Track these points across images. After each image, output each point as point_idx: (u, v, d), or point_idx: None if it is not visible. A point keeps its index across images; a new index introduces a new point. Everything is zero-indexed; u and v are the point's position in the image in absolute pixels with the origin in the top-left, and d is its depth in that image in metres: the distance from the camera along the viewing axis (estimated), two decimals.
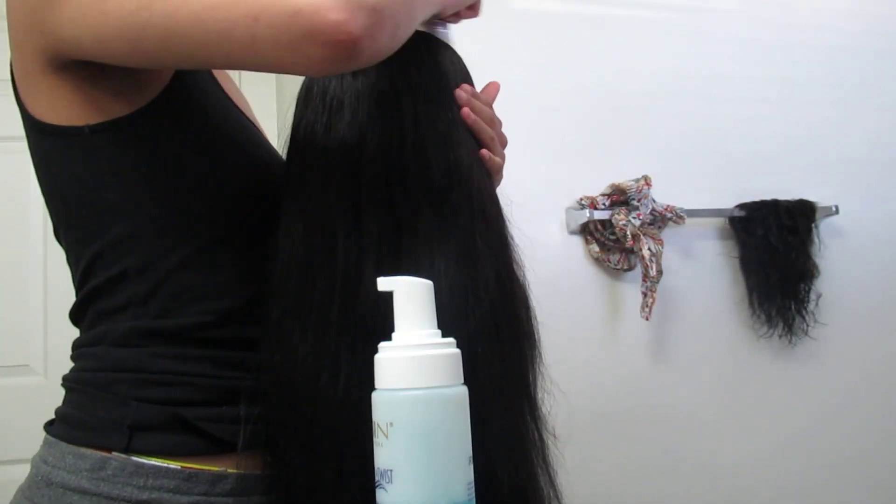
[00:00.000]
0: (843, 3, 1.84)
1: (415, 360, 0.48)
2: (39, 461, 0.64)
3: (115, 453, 0.61)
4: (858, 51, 1.81)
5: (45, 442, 0.65)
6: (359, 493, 0.55)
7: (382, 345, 0.49)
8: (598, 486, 1.51)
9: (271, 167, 0.70)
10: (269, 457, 0.64)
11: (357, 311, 0.59)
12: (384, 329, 0.50)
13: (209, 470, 0.63)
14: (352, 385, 0.58)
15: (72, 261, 0.69)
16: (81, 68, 0.61)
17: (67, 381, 0.67)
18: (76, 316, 0.70)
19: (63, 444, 0.63)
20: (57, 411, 0.67)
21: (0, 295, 1.77)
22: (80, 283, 0.68)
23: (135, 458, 0.61)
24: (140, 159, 0.63)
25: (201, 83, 0.68)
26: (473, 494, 0.48)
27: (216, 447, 0.64)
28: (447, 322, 0.51)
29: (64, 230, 0.68)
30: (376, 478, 0.47)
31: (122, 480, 0.60)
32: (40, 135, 0.65)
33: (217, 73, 0.73)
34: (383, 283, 0.50)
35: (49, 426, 0.66)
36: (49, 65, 0.61)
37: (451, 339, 0.50)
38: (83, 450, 0.62)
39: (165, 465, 0.62)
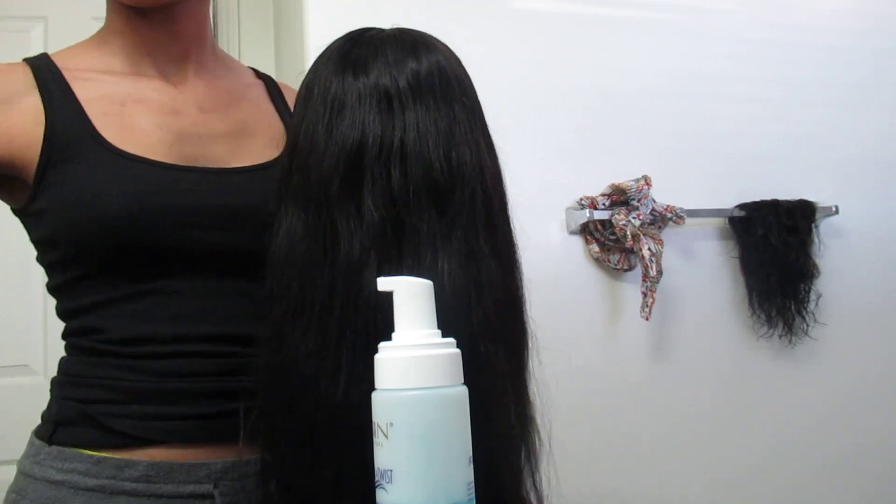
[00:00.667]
0: (843, 3, 1.84)
1: (415, 360, 0.48)
2: None
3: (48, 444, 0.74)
4: (858, 51, 1.81)
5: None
6: (358, 494, 0.55)
7: (382, 345, 0.50)
8: (598, 486, 1.51)
9: (145, 211, 0.75)
10: (267, 457, 0.64)
11: (358, 311, 0.59)
12: (385, 329, 0.50)
13: (118, 457, 0.72)
14: (352, 386, 0.57)
15: None
16: None
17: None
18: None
19: (31, 436, 0.77)
20: None
21: (0, 295, 1.77)
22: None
23: (61, 447, 0.73)
24: (46, 234, 0.76)
25: (72, 139, 0.75)
26: (473, 494, 0.48)
27: (123, 440, 0.73)
28: (450, 322, 0.51)
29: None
30: (376, 478, 0.47)
31: (47, 463, 0.73)
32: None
33: (110, 111, 0.78)
34: (383, 283, 0.50)
35: None
36: None
37: (451, 339, 0.50)
38: (34, 440, 0.76)
39: (80, 451, 0.72)
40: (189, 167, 0.77)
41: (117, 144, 0.74)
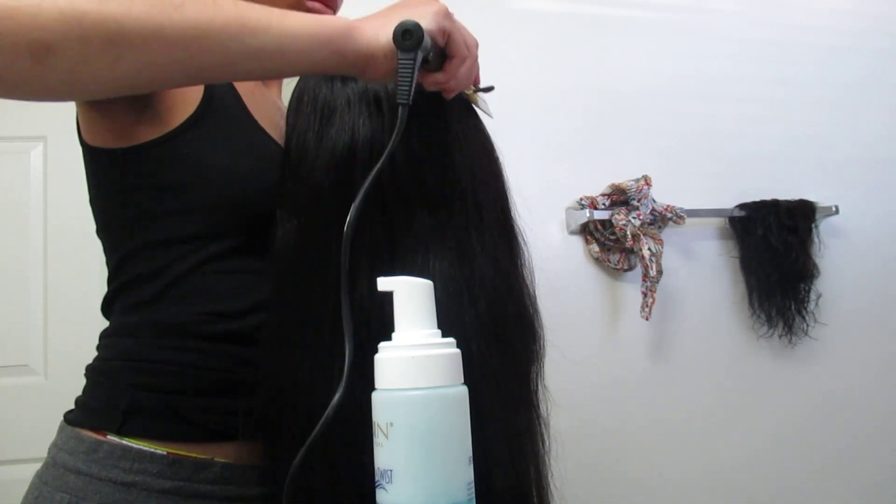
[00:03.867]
0: (843, 3, 1.84)
1: (415, 360, 0.48)
2: (52, 444, 0.69)
3: (109, 437, 0.66)
4: (858, 51, 1.81)
5: (59, 427, 0.70)
6: (355, 495, 0.55)
7: (382, 345, 0.49)
8: (598, 486, 1.51)
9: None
10: (266, 458, 0.64)
11: (352, 313, 0.59)
12: (379, 334, 0.50)
13: (193, 457, 0.66)
14: (346, 393, 0.58)
15: (106, 260, 0.75)
16: (107, 102, 0.67)
17: (86, 370, 0.72)
18: (105, 310, 0.75)
19: (69, 429, 0.68)
20: (76, 399, 0.72)
21: (0, 295, 1.77)
22: (109, 281, 0.73)
23: (125, 442, 0.66)
24: (158, 180, 0.69)
25: (225, 106, 0.71)
26: (473, 494, 0.48)
27: (204, 435, 0.67)
28: (443, 321, 0.51)
29: (101, 234, 0.75)
30: (376, 478, 0.47)
31: (110, 463, 0.65)
32: (86, 152, 0.72)
33: (244, 85, 0.76)
34: (383, 283, 0.50)
35: (67, 413, 0.71)
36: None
37: (451, 339, 0.50)
38: (83, 433, 0.67)
39: (151, 449, 0.66)
40: None
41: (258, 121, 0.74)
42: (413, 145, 0.63)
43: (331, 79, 0.65)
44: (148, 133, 0.68)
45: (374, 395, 0.48)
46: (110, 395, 0.69)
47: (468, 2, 1.62)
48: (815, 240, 1.67)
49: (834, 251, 1.70)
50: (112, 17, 0.49)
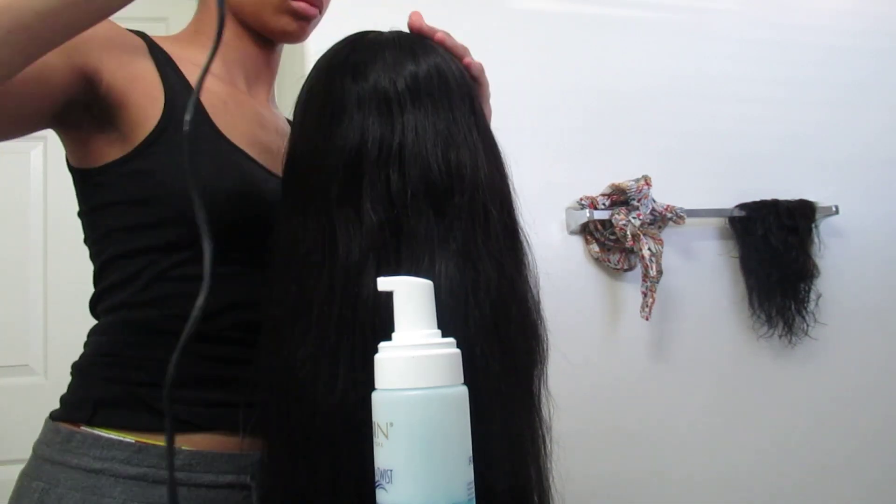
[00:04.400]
0: (843, 3, 1.84)
1: (415, 360, 0.48)
2: (36, 441, 0.74)
3: (82, 427, 0.71)
4: (858, 51, 1.81)
5: (44, 423, 0.75)
6: (355, 495, 0.55)
7: (382, 345, 0.49)
8: (598, 486, 1.51)
9: (251, 197, 0.75)
10: (265, 458, 0.64)
11: (357, 314, 0.59)
12: (383, 332, 0.50)
13: (161, 445, 0.70)
14: (349, 388, 0.57)
15: (93, 266, 0.81)
16: (76, 126, 0.73)
17: (71, 368, 0.77)
18: (92, 312, 0.80)
19: (50, 423, 0.74)
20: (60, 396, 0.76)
21: (0, 295, 1.77)
22: (94, 286, 0.79)
23: (96, 432, 0.70)
24: (125, 196, 0.74)
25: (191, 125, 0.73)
26: (473, 494, 0.48)
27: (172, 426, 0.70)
28: (447, 323, 0.51)
29: (86, 243, 0.80)
30: (376, 478, 0.47)
31: (82, 451, 0.70)
32: (71, 173, 0.78)
33: (213, 97, 0.78)
34: (383, 283, 0.50)
35: (53, 411, 0.76)
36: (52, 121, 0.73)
37: (451, 339, 0.50)
38: (60, 425, 0.72)
39: (120, 438, 0.70)
40: (272, 172, 0.80)
41: (225, 134, 0.76)
42: (422, 147, 0.63)
43: (341, 76, 0.65)
44: (115, 152, 0.73)
45: (374, 395, 0.48)
46: (84, 389, 0.74)
47: (468, 2, 1.62)
48: (815, 240, 1.67)
49: (834, 251, 1.70)
50: None
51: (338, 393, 0.58)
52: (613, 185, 1.55)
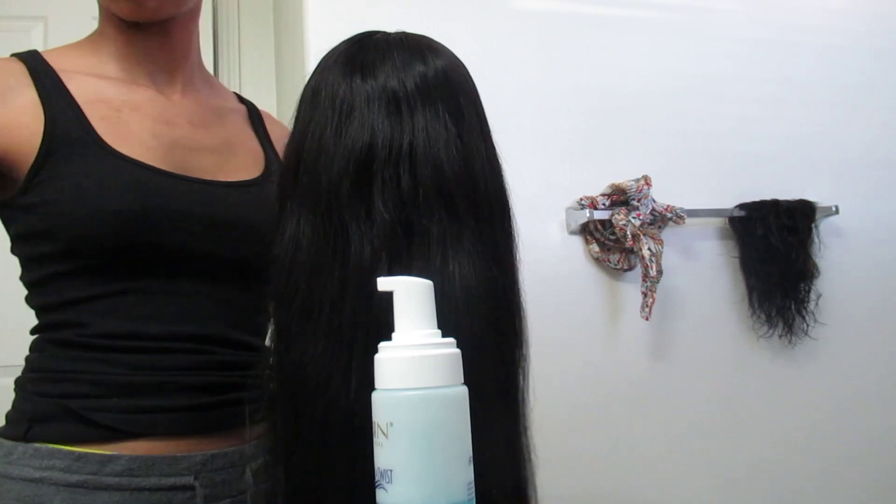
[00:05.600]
0: (843, 3, 1.84)
1: (415, 360, 0.48)
2: None
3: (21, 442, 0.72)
4: (858, 51, 1.81)
5: None
6: (368, 495, 0.55)
7: (382, 345, 0.50)
8: (598, 486, 1.51)
9: (151, 211, 0.75)
10: (270, 457, 0.64)
11: (370, 312, 0.59)
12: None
13: (100, 452, 0.71)
14: (363, 386, 0.57)
15: None
16: None
17: (13, 383, 0.80)
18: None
19: None
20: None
21: None
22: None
23: (35, 445, 0.72)
24: (24, 230, 0.76)
25: (71, 141, 0.74)
26: (473, 494, 0.48)
27: (107, 435, 0.72)
28: (459, 323, 0.51)
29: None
30: (376, 478, 0.47)
31: (23, 462, 0.71)
32: None
33: (103, 107, 0.78)
34: (383, 283, 0.50)
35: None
36: None
37: (451, 339, 0.50)
38: (4, 441, 0.74)
39: (58, 448, 0.71)
40: (181, 175, 0.79)
41: (115, 147, 0.76)
42: (434, 147, 0.63)
43: (349, 75, 0.65)
44: (9, 190, 0.76)
45: (374, 395, 0.48)
46: (21, 406, 0.76)
47: (468, 2, 1.62)
48: (815, 240, 1.66)
49: (834, 251, 1.70)
50: None
51: (352, 391, 0.58)
52: (613, 185, 1.55)
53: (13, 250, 0.80)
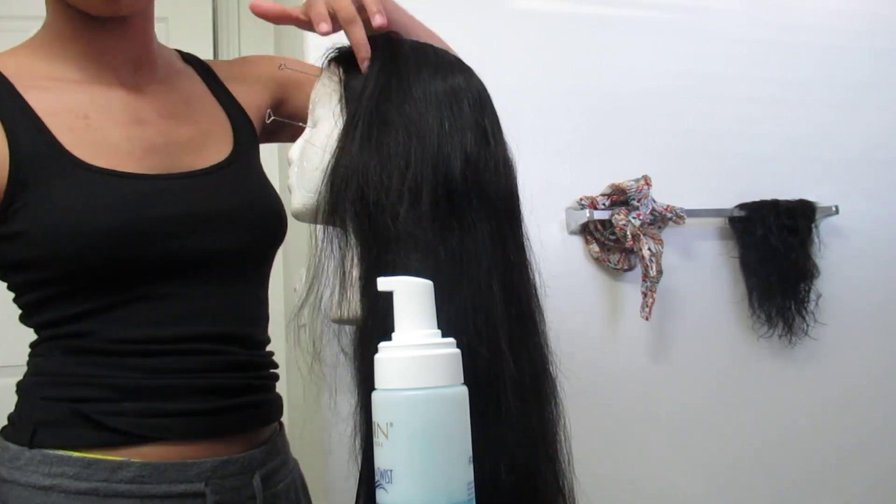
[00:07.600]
0: (843, 3, 1.84)
1: (415, 360, 0.48)
2: None
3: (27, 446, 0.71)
4: (858, 51, 1.81)
5: None
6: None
7: (382, 345, 0.50)
8: (597, 486, 1.50)
9: (132, 223, 0.73)
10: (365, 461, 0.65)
11: (378, 312, 0.59)
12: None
13: (110, 459, 0.70)
14: None
15: None
16: None
17: (16, 387, 0.78)
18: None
19: (1, 440, 0.74)
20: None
21: None
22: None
23: (43, 450, 0.70)
24: (23, 257, 0.73)
25: (40, 164, 0.71)
26: (473, 494, 0.48)
27: (117, 440, 0.71)
28: (458, 323, 0.51)
29: None
30: (376, 478, 0.47)
31: (31, 469, 0.70)
32: None
33: (71, 117, 0.75)
34: (383, 283, 0.50)
35: (2, 427, 0.77)
36: None
37: (451, 339, 0.50)
38: (9, 444, 0.72)
39: (68, 454, 0.70)
40: (161, 175, 0.77)
41: (88, 160, 0.72)
42: (487, 163, 0.65)
43: (385, 97, 0.66)
44: None
45: (374, 395, 0.48)
46: (26, 411, 0.75)
47: (469, 2, 1.62)
48: (815, 240, 1.66)
49: (834, 251, 1.70)
50: None
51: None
52: (613, 185, 1.55)
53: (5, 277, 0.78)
